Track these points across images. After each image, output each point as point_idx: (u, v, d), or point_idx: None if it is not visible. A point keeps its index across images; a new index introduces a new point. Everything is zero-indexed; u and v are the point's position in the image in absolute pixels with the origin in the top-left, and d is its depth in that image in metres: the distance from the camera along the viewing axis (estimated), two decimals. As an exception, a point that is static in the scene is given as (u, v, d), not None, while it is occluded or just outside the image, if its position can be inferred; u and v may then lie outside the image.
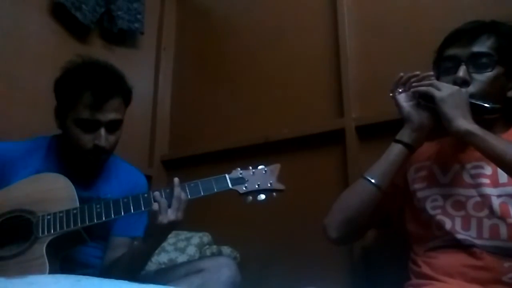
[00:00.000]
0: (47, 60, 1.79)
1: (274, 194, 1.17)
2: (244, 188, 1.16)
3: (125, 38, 2.14)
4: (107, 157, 1.27)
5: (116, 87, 1.22)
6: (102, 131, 1.19)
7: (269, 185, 1.17)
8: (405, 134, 1.05)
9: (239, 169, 1.18)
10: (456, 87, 0.98)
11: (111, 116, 1.19)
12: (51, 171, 1.23)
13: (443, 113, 0.96)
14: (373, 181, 1.04)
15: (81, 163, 1.24)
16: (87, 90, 1.16)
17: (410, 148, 1.04)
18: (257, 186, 1.16)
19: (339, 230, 1.08)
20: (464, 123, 0.93)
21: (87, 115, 1.16)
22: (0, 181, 1.17)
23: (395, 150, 1.05)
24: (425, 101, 1.01)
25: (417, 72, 1.06)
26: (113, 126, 1.22)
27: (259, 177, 1.17)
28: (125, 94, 1.26)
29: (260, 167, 1.19)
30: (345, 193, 1.12)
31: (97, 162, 1.25)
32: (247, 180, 1.16)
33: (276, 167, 1.20)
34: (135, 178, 1.37)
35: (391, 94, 1.09)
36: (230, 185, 1.15)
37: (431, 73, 1.07)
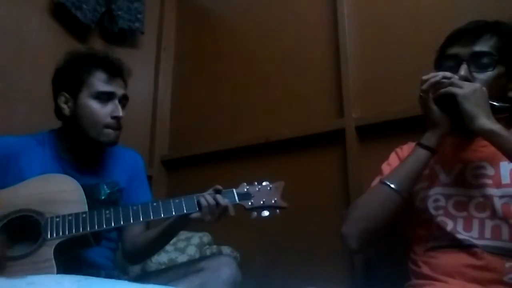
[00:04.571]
0: (47, 60, 1.78)
1: (278, 211, 1.21)
2: (249, 204, 1.19)
3: (125, 38, 2.14)
4: (119, 135, 1.30)
5: (121, 66, 1.30)
6: (117, 102, 1.26)
7: (273, 202, 1.20)
8: (431, 139, 1.01)
9: (245, 184, 1.22)
10: (478, 85, 0.96)
11: (123, 91, 1.29)
12: (55, 163, 1.25)
13: (466, 111, 0.93)
14: (397, 188, 0.99)
15: (98, 143, 1.26)
16: (98, 67, 1.24)
17: (435, 153, 1.02)
18: (262, 203, 1.19)
19: (360, 241, 1.01)
20: (488, 122, 0.91)
21: (104, 88, 1.24)
22: (4, 173, 1.18)
23: (422, 156, 1.00)
24: (446, 102, 0.98)
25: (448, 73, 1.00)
26: (124, 102, 1.30)
27: (264, 194, 1.21)
28: (127, 75, 1.33)
29: (265, 183, 1.22)
30: (365, 201, 1.05)
31: (115, 139, 1.27)
32: (253, 196, 1.20)
33: (280, 184, 1.23)
34: (133, 158, 1.43)
35: (421, 94, 1.02)
36: (237, 200, 1.18)
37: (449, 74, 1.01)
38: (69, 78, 1.26)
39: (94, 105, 1.23)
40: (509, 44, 1.02)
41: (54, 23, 1.86)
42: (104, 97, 1.24)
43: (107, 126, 1.24)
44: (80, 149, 1.28)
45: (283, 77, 1.85)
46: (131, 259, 1.35)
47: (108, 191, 1.28)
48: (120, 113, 1.25)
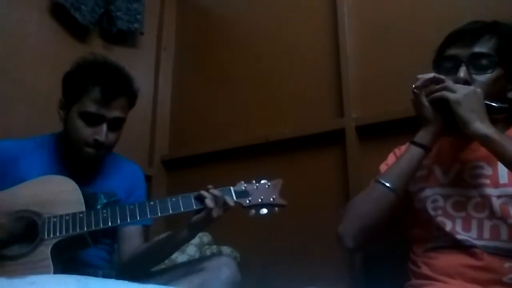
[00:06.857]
0: (47, 60, 1.79)
1: (276, 209, 1.20)
2: (247, 202, 1.17)
3: (125, 38, 2.14)
4: (106, 154, 1.28)
5: (125, 86, 1.26)
6: (104, 127, 1.21)
7: (271, 199, 1.19)
8: (425, 137, 1.01)
9: (243, 182, 1.20)
10: (472, 88, 0.95)
11: (116, 113, 1.23)
12: (54, 168, 1.24)
13: (459, 116, 0.93)
14: (391, 186, 0.99)
15: (79, 157, 1.24)
16: (96, 85, 1.19)
17: (429, 151, 1.02)
18: (260, 200, 1.18)
19: (356, 239, 1.02)
20: (481, 127, 0.91)
21: (93, 109, 1.19)
22: (3, 177, 1.18)
23: (415, 154, 1.00)
24: (440, 106, 0.98)
25: (441, 76, 1.00)
26: (116, 124, 1.25)
27: (262, 192, 1.19)
28: (132, 95, 1.29)
29: (263, 181, 1.21)
30: (361, 199, 1.06)
31: (96, 157, 1.25)
32: (251, 194, 1.18)
33: (279, 182, 1.22)
34: (133, 171, 1.42)
35: (415, 90, 1.02)
36: (234, 198, 1.17)
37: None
38: (68, 87, 1.25)
39: (79, 123, 1.20)
40: (508, 45, 1.01)
41: (54, 23, 1.87)
42: (91, 119, 1.20)
43: (88, 145, 1.21)
44: (74, 156, 1.26)
45: (283, 77, 1.85)
46: (127, 271, 1.30)
47: (105, 201, 1.27)
48: (103, 138, 1.20)
